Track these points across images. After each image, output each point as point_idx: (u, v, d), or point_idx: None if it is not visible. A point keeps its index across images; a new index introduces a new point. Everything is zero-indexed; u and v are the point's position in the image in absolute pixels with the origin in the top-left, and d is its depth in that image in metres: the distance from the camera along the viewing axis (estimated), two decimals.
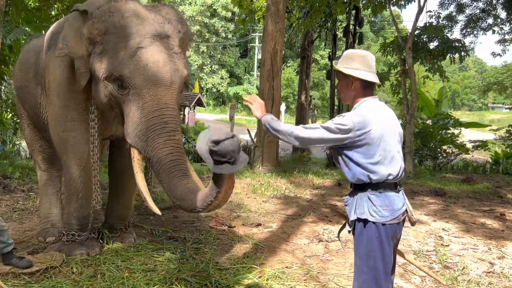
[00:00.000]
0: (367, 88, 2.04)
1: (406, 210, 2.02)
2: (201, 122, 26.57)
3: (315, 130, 1.95)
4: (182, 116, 23.96)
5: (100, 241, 3.41)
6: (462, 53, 9.64)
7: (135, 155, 2.56)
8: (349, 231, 2.09)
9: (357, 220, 1.98)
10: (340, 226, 2.33)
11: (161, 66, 2.55)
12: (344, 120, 1.93)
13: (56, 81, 3.01)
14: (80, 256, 3.10)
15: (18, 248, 3.25)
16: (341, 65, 2.06)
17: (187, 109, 22.96)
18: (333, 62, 2.16)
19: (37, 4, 7.91)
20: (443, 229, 4.56)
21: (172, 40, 2.71)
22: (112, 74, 2.59)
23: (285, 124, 2.03)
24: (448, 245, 4.02)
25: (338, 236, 2.47)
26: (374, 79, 2.03)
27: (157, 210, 2.47)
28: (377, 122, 1.94)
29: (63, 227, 3.27)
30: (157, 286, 2.71)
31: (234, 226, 4.30)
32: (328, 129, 1.93)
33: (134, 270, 2.94)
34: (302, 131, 1.96)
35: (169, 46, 2.66)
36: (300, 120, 15.74)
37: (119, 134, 3.37)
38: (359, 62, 2.02)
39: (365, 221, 1.95)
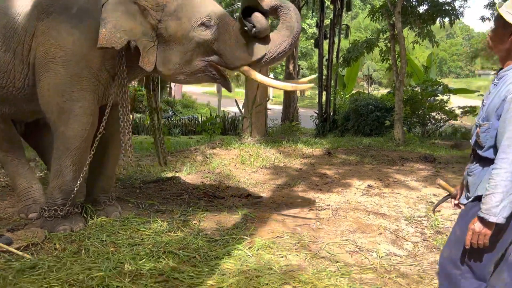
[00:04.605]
0: None
1: None
2: (188, 95, 26.23)
3: None
4: (168, 89, 23.59)
5: (84, 215, 3.30)
6: (452, 17, 9.49)
7: (249, 70, 2.96)
8: (463, 204, 1.91)
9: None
10: (441, 198, 2.19)
11: None
12: None
13: (67, 49, 2.89)
14: (63, 232, 2.99)
15: None
16: (505, 9, 1.70)
17: None
18: (498, 3, 1.81)
19: None
20: (434, 195, 4.52)
21: None
22: (200, 18, 2.83)
23: (498, 182, 1.64)
24: (439, 211, 3.99)
25: (434, 210, 2.31)
26: None
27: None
28: None
29: (46, 202, 3.14)
30: (143, 260, 2.61)
31: (223, 197, 4.21)
32: None
33: (120, 245, 2.83)
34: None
35: None
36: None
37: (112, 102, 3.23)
38: None
39: None
